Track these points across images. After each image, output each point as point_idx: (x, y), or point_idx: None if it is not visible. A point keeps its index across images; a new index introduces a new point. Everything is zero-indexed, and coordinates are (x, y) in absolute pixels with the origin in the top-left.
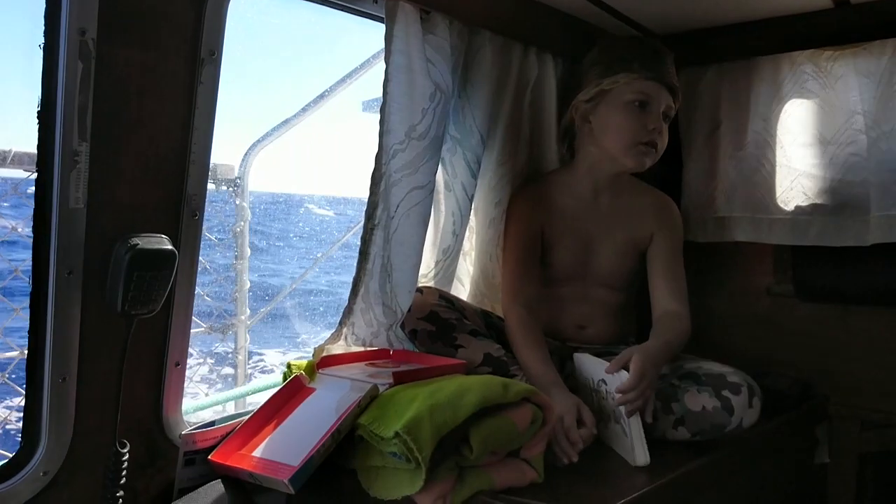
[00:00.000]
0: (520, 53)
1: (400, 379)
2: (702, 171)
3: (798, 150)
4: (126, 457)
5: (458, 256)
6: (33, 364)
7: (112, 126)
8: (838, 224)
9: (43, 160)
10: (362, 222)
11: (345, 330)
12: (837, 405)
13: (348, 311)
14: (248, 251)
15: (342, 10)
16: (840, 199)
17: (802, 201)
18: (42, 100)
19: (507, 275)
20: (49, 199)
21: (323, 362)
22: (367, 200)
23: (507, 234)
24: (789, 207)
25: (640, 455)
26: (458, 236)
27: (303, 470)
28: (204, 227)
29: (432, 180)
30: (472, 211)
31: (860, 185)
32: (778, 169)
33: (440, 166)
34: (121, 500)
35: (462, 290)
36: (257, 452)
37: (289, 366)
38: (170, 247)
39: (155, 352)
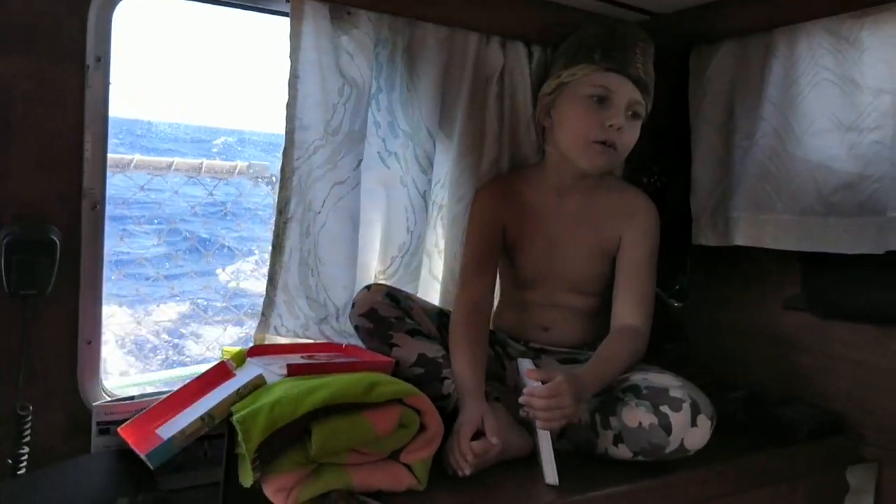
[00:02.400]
0: (476, 43)
1: (293, 371)
2: (712, 165)
3: (813, 139)
4: (29, 419)
5: (420, 254)
6: None
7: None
8: (853, 227)
9: None
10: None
11: (272, 321)
12: (880, 448)
13: (269, 303)
14: None
15: (247, 8)
16: (858, 197)
17: (814, 200)
18: None
19: (461, 270)
20: None
21: (257, 350)
22: (276, 195)
23: (468, 229)
24: (799, 207)
25: (549, 474)
26: (414, 233)
27: (161, 448)
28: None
29: (353, 175)
30: (438, 208)
31: (881, 180)
32: (789, 161)
33: (395, 161)
34: (25, 459)
35: (436, 289)
36: (159, 431)
37: (223, 351)
38: (51, 235)
39: (67, 330)
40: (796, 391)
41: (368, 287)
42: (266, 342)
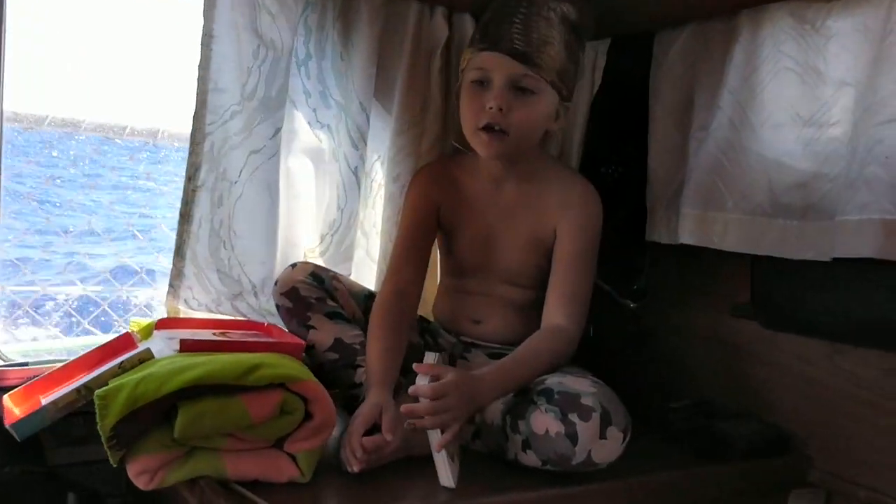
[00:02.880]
0: (417, 13)
1: (186, 347)
2: (668, 157)
3: (770, 133)
4: None
5: (352, 233)
6: None
7: None
8: (800, 230)
9: None
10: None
11: (181, 293)
12: (827, 473)
13: (176, 273)
14: None
15: None
16: (810, 198)
17: (765, 199)
18: None
19: (391, 254)
20: None
21: (165, 323)
22: (186, 160)
23: (402, 211)
24: (750, 206)
25: (443, 476)
26: (345, 211)
27: (28, 420)
28: None
29: (269, 145)
30: (379, 185)
31: (834, 180)
32: (744, 156)
33: (328, 134)
34: None
35: (372, 270)
36: (44, 401)
37: (131, 322)
38: None
39: None
40: (744, 404)
41: (294, 265)
42: (182, 315)
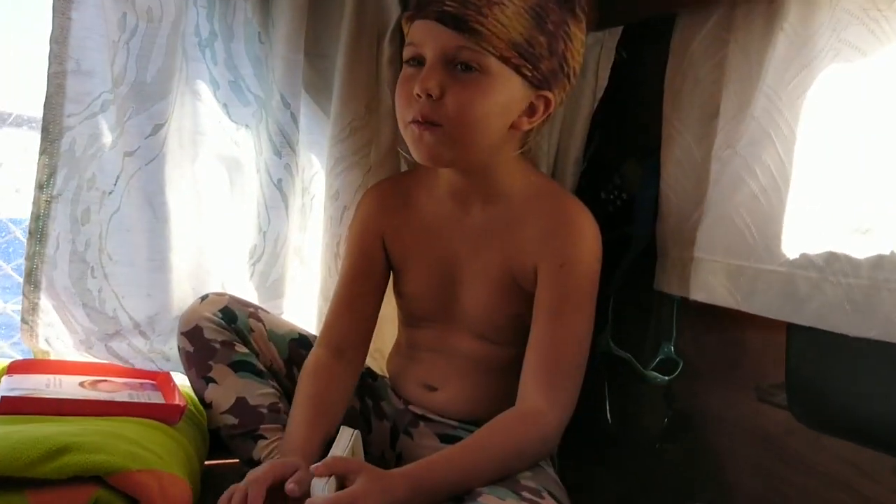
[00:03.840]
0: None
1: (6, 407)
2: (687, 181)
3: (822, 154)
4: None
5: (280, 262)
6: None
7: None
8: (864, 296)
9: None
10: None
11: (39, 331)
12: None
13: (30, 308)
14: None
15: None
16: (879, 248)
17: (811, 245)
18: None
19: (333, 296)
20: None
21: (20, 366)
22: (36, 162)
23: (346, 242)
24: (788, 254)
25: None
26: (268, 234)
27: None
28: None
29: (145, 145)
30: (315, 204)
31: None
32: (780, 183)
33: (247, 135)
34: None
35: (314, 307)
36: None
37: None
38: None
39: None
40: None
41: (204, 297)
42: (53, 356)
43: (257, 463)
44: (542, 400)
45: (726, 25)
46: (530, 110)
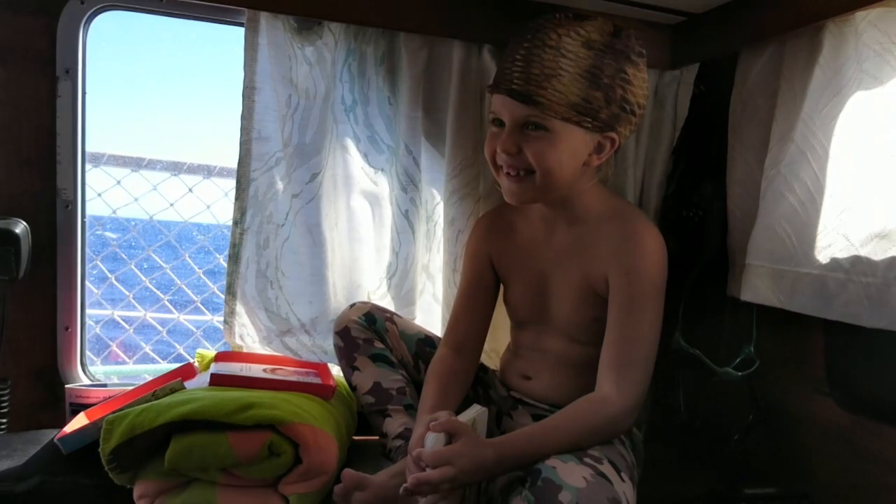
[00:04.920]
0: (462, 52)
1: (215, 381)
2: (749, 199)
3: (851, 171)
4: (6, 392)
5: (411, 277)
6: None
7: None
8: (880, 292)
9: None
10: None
11: (236, 329)
12: None
13: (230, 311)
14: None
15: (207, 20)
16: (893, 251)
17: (840, 251)
18: None
19: (453, 304)
20: None
21: (224, 356)
22: (233, 205)
23: (463, 260)
24: (822, 259)
25: None
26: (400, 254)
27: (73, 437)
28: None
29: (307, 189)
30: (438, 230)
31: None
32: (819, 197)
33: (383, 178)
34: (5, 425)
35: (439, 314)
36: (91, 419)
37: (197, 353)
38: (15, 229)
39: (47, 316)
40: None
41: (353, 305)
42: (245, 350)
43: (385, 436)
44: (612, 388)
45: (778, 59)
46: (598, 149)
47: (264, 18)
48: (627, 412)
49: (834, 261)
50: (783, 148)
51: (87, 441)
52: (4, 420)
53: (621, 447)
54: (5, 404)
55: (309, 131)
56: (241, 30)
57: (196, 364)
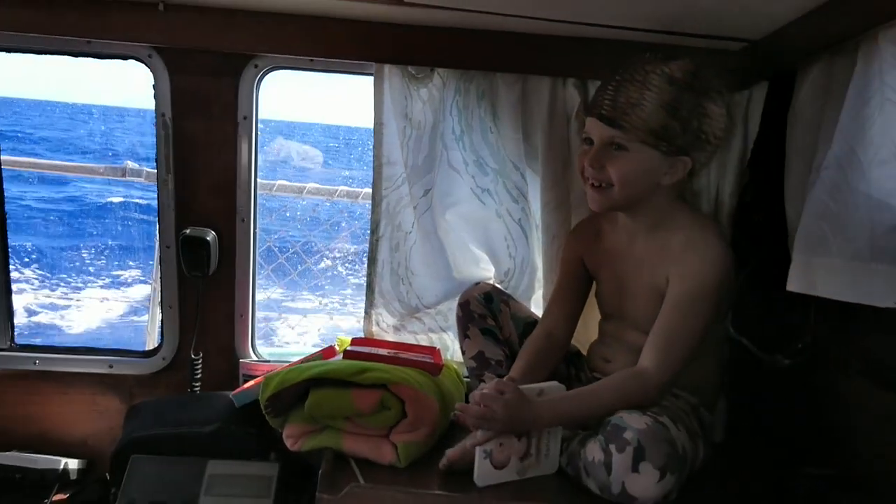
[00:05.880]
0: (550, 85)
1: (346, 355)
2: (801, 201)
3: (876, 172)
4: (199, 363)
5: (527, 274)
6: (159, 295)
7: (187, 165)
8: (892, 276)
9: (158, 184)
10: None
11: (373, 318)
12: None
13: (370, 304)
14: None
15: (346, 73)
16: None
17: (865, 243)
18: (156, 153)
19: (550, 296)
20: (158, 204)
21: (358, 341)
22: (370, 218)
23: (560, 259)
24: (851, 250)
25: (476, 473)
26: (516, 258)
27: (243, 394)
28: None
29: (421, 203)
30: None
31: None
32: (850, 197)
33: (489, 197)
34: (199, 386)
35: None
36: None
37: (338, 339)
38: (208, 237)
39: (227, 305)
40: None
41: (477, 283)
42: (375, 337)
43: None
44: (651, 363)
45: (827, 75)
46: (672, 170)
47: (388, 69)
48: (662, 385)
49: (859, 251)
50: (824, 154)
51: (253, 397)
52: (198, 383)
53: (684, 413)
54: (198, 372)
55: (420, 155)
56: (370, 78)
57: (336, 347)
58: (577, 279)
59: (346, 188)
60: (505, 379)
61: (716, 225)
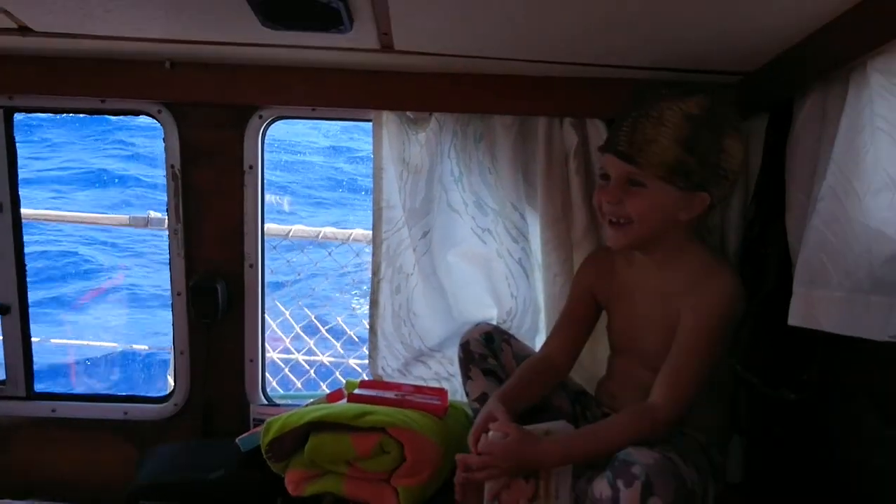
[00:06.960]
0: (545, 125)
1: (351, 399)
2: (802, 231)
3: (871, 201)
4: (211, 408)
5: (529, 314)
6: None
7: (196, 214)
8: (887, 308)
9: (168, 233)
10: None
11: (378, 362)
12: None
13: (373, 347)
14: None
15: (345, 120)
16: None
17: (865, 274)
18: (167, 203)
19: (555, 322)
20: (169, 252)
21: (366, 384)
22: (371, 260)
23: (570, 289)
24: (851, 282)
25: None
26: (518, 297)
27: (248, 438)
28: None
29: (420, 245)
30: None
31: None
32: (848, 227)
33: (490, 237)
34: (210, 431)
35: None
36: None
37: (346, 382)
38: (216, 284)
39: (237, 350)
40: None
41: (478, 324)
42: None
43: None
44: (661, 399)
45: (821, 105)
46: (690, 206)
47: (386, 115)
48: (670, 419)
49: (859, 283)
50: (821, 185)
51: (258, 442)
52: (210, 428)
53: (692, 451)
54: (210, 417)
55: (417, 197)
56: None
57: (344, 390)
58: (584, 306)
59: (332, 229)
60: (492, 397)
61: (726, 260)
